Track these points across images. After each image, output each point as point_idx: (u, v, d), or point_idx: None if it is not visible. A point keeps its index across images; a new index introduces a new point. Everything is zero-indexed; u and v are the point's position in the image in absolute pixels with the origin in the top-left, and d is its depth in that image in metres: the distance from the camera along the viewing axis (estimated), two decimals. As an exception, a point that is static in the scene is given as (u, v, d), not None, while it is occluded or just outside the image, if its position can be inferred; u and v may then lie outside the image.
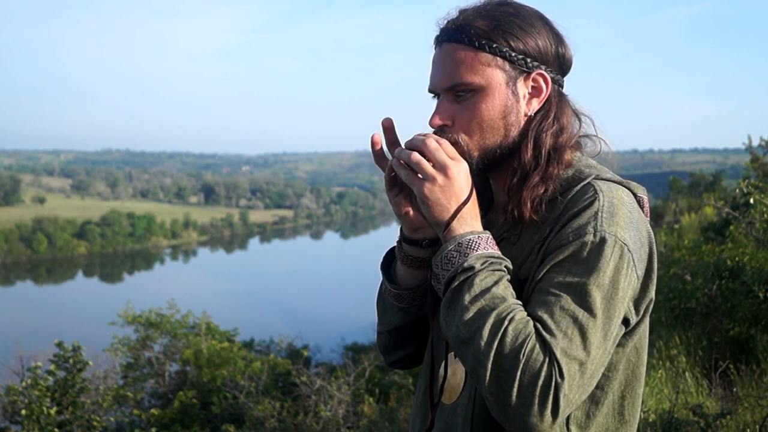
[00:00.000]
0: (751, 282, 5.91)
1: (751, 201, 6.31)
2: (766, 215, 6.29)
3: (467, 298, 1.15)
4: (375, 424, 7.63)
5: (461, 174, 1.23)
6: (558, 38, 1.32)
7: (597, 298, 1.13)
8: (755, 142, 10.82)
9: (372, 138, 1.31)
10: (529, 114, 1.30)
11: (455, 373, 1.31)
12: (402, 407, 8.07)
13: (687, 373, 5.34)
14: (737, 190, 7.15)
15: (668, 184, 19.58)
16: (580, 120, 1.35)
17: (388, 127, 1.33)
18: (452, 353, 1.33)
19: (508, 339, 1.10)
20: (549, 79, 1.30)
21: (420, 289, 1.41)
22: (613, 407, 1.27)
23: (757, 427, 3.99)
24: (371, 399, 9.54)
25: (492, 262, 1.19)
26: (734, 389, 4.98)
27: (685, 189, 18.63)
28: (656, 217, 15.95)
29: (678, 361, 5.75)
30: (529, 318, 1.13)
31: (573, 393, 1.09)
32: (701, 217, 13.19)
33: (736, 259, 6.43)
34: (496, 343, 1.10)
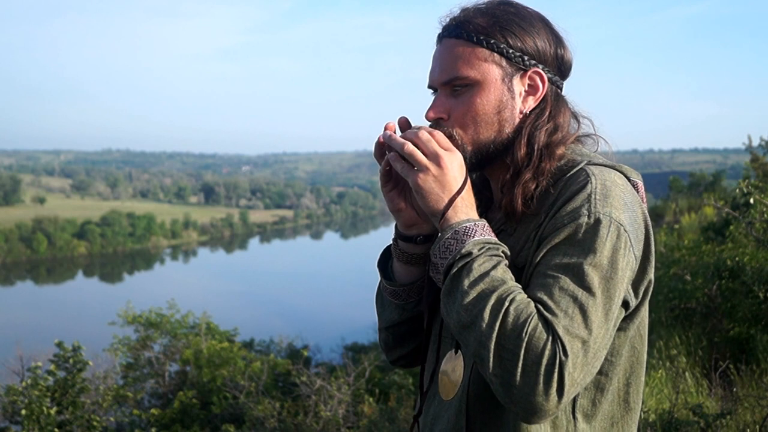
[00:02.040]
0: (751, 282, 5.91)
1: (751, 201, 6.31)
2: (766, 215, 6.29)
3: (466, 282, 1.16)
4: (375, 424, 7.63)
5: (454, 164, 1.24)
6: (557, 40, 1.33)
7: (595, 277, 1.14)
8: (755, 142, 10.83)
9: (386, 125, 1.32)
10: (524, 111, 1.31)
11: (455, 369, 1.31)
12: (402, 407, 8.08)
13: (687, 373, 5.34)
14: (737, 190, 7.13)
15: (668, 184, 19.56)
16: (578, 121, 1.36)
17: (405, 125, 1.35)
18: (452, 351, 1.33)
19: (510, 319, 1.11)
20: (546, 78, 1.31)
21: (416, 285, 1.42)
22: (618, 394, 1.28)
23: (757, 427, 3.99)
24: (371, 399, 9.55)
25: (489, 248, 1.20)
26: (734, 389, 4.97)
27: (685, 189, 18.62)
28: (656, 217, 15.94)
29: (678, 361, 5.74)
30: (529, 299, 1.14)
31: (577, 372, 1.09)
32: (701, 217, 13.19)
33: (736, 259, 6.42)
34: (498, 324, 1.11)
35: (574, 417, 1.23)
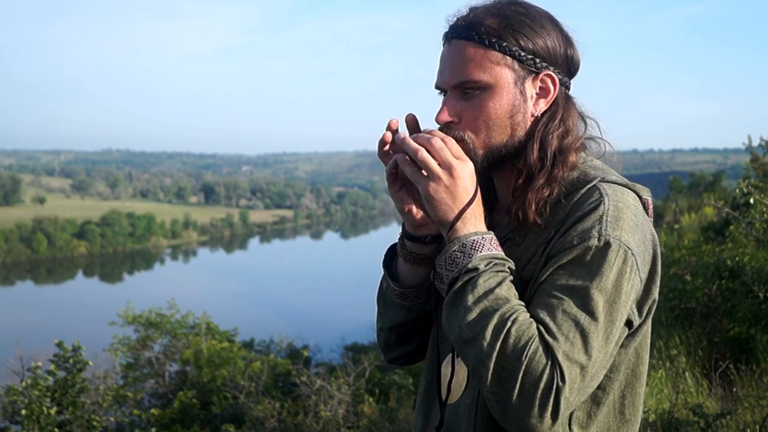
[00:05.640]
0: (751, 282, 5.90)
1: (751, 201, 6.30)
2: (766, 215, 6.29)
3: (470, 298, 1.16)
4: (375, 424, 7.62)
5: (466, 174, 1.23)
6: (567, 40, 1.32)
7: (599, 302, 1.13)
8: (755, 142, 10.84)
9: (389, 123, 1.30)
10: (535, 115, 1.30)
11: (458, 372, 1.31)
12: (402, 407, 8.08)
13: (687, 373, 5.34)
14: (737, 190, 7.13)
15: (668, 184, 19.55)
16: (585, 123, 1.35)
17: (412, 123, 1.33)
18: (452, 354, 1.33)
19: (511, 340, 1.11)
20: (557, 81, 1.30)
21: (424, 286, 1.40)
22: (614, 407, 1.28)
23: (757, 427, 3.99)
24: (371, 399, 9.54)
25: (496, 263, 1.19)
26: (734, 389, 4.98)
27: (685, 189, 18.61)
28: (656, 217, 15.70)
29: (678, 361, 5.74)
30: (532, 320, 1.13)
31: (573, 396, 1.10)
32: (701, 217, 13.19)
33: (736, 259, 6.42)
34: (498, 344, 1.11)
35: (570, 428, 1.24)
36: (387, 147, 1.32)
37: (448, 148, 1.23)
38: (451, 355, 1.36)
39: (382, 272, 1.47)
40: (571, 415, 1.24)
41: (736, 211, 7.27)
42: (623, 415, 1.29)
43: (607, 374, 1.24)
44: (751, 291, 5.89)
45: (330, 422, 8.27)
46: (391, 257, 1.46)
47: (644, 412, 4.22)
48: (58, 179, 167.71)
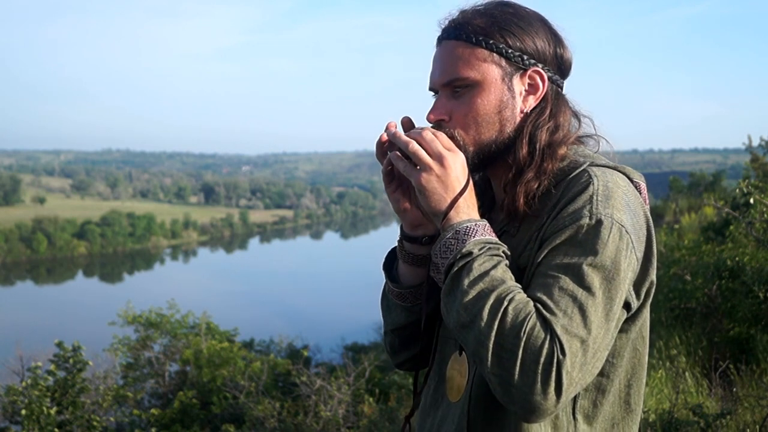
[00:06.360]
0: (751, 282, 5.91)
1: (751, 201, 6.31)
2: (766, 215, 6.29)
3: (466, 282, 1.16)
4: (375, 424, 7.63)
5: (457, 164, 1.25)
6: (557, 39, 1.33)
7: (595, 278, 1.14)
8: (755, 142, 10.83)
9: (388, 124, 1.32)
10: (525, 111, 1.31)
11: (461, 371, 1.32)
12: (402, 407, 8.07)
13: (687, 373, 5.34)
14: (737, 190, 7.13)
15: (668, 184, 19.56)
16: (579, 121, 1.36)
17: (408, 125, 1.35)
18: (456, 353, 1.34)
19: (509, 318, 1.11)
20: (546, 77, 1.31)
21: (423, 286, 1.41)
22: (620, 396, 1.29)
23: (757, 427, 3.99)
24: (371, 399, 9.55)
25: (490, 248, 1.20)
26: (734, 389, 4.98)
27: (685, 189, 18.62)
28: (656, 217, 15.95)
29: (678, 361, 5.75)
30: (528, 299, 1.14)
31: (576, 371, 1.09)
32: (701, 217, 13.19)
33: (736, 259, 6.43)
34: (496, 323, 1.11)
35: (574, 418, 1.24)
36: (385, 146, 1.34)
37: (439, 140, 1.25)
38: (434, 350, 1.38)
39: (383, 275, 1.49)
40: (575, 404, 1.24)
41: (736, 211, 7.27)
42: (628, 405, 1.29)
43: (610, 360, 1.25)
44: (751, 291, 5.89)
45: (330, 422, 8.28)
46: (392, 260, 1.48)
47: (644, 412, 4.23)
48: (58, 179, 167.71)
